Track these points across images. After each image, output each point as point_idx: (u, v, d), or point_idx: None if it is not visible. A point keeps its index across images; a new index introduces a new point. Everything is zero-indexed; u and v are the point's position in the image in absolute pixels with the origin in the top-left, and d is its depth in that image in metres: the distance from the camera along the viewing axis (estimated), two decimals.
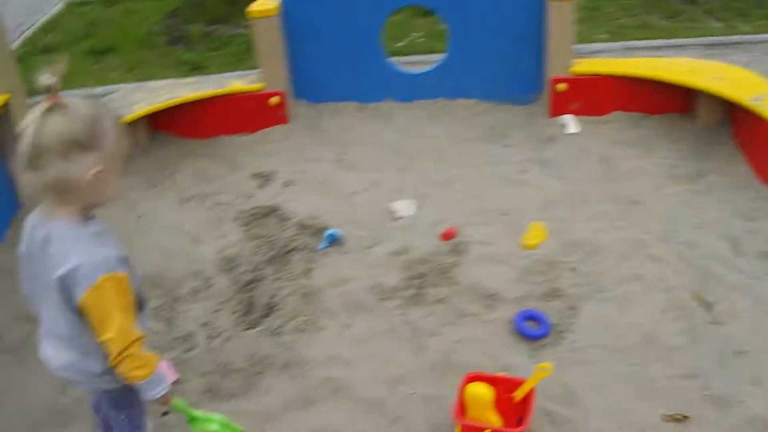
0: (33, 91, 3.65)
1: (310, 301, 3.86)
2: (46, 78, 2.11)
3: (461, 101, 5.60)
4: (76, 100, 2.17)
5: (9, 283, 4.23)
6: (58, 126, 2.11)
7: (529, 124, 5.38)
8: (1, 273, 4.30)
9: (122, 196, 4.41)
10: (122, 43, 8.81)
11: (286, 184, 4.99)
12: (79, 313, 2.31)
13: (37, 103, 2.15)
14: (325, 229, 4.41)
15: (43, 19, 10.10)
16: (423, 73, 5.68)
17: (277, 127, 5.59)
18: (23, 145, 2.12)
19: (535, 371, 2.99)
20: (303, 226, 4.45)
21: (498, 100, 5.59)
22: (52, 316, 2.43)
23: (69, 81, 7.51)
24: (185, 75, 7.61)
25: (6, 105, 4.47)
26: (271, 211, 4.66)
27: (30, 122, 2.11)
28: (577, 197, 4.58)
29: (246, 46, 8.07)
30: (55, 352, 2.51)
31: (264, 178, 5.09)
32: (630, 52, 7.17)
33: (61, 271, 2.23)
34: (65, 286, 2.26)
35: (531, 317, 3.64)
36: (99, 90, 7.38)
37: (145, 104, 5.37)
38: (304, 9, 5.46)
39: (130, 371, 2.36)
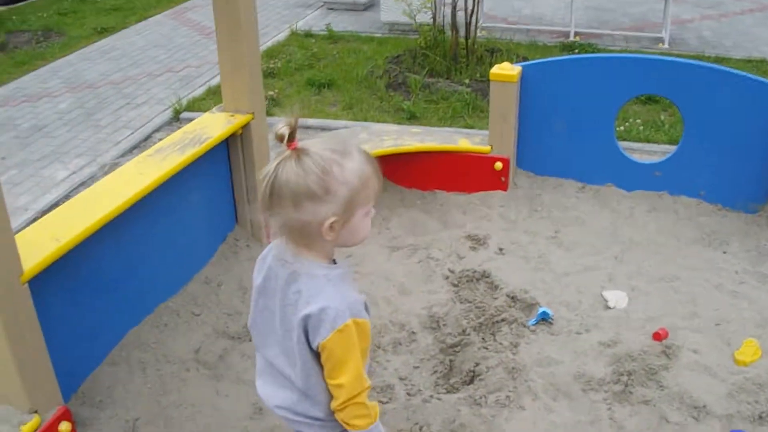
0: None
1: (514, 377, 3.82)
2: (282, 127, 2.12)
3: (683, 198, 5.47)
4: (318, 149, 2.15)
5: (213, 297, 4.41)
6: (291, 176, 2.12)
7: (750, 234, 5.21)
8: (208, 287, 4.47)
9: None
10: (342, 80, 9.08)
11: (499, 252, 4.99)
12: (315, 353, 2.32)
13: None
14: (534, 304, 4.38)
15: (266, 45, 10.63)
16: (649, 164, 5.58)
17: (496, 192, 5.59)
18: (261, 188, 2.17)
19: None
20: (513, 298, 4.43)
21: (721, 203, 5.44)
22: (279, 354, 2.44)
23: (288, 107, 7.84)
24: (400, 122, 7.77)
25: (247, 125, 4.63)
26: (482, 276, 4.65)
27: (270, 167, 2.14)
28: None
29: (462, 104, 8.18)
30: (272, 391, 2.53)
31: (477, 241, 5.10)
32: None
33: (308, 310, 2.24)
34: (308, 326, 2.27)
35: None
36: (312, 121, 7.62)
37: (370, 147, 5.41)
38: (543, 81, 5.46)
39: (353, 419, 2.37)
